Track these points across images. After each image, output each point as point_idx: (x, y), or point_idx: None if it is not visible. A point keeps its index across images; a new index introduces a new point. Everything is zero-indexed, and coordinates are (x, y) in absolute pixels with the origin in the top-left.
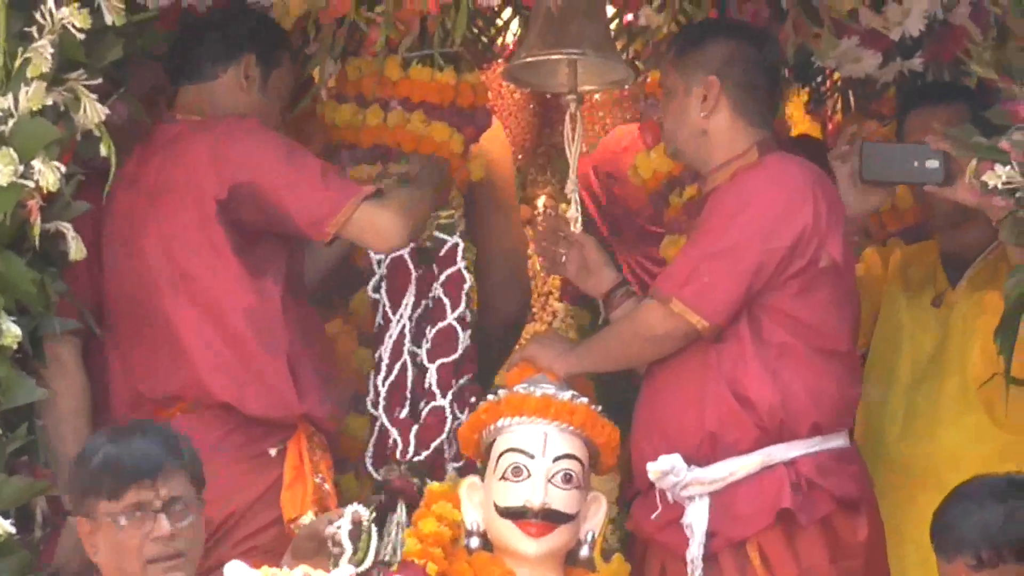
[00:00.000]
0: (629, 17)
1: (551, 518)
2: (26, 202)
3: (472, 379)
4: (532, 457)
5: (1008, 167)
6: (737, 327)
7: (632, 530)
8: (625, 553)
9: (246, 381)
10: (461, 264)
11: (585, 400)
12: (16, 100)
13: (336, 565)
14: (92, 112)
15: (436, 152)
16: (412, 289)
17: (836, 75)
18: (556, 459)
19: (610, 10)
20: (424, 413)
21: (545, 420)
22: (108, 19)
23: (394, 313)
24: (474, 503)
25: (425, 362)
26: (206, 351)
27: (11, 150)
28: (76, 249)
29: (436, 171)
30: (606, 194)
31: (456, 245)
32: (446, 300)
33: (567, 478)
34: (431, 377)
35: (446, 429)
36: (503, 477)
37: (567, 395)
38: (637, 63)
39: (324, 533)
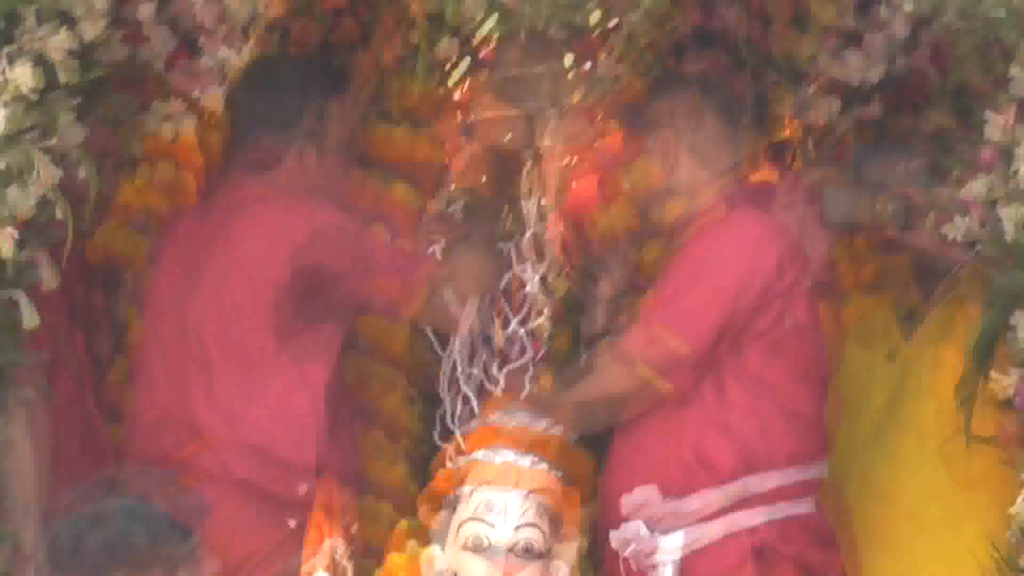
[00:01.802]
0: (587, 67)
1: None
2: None
3: None
4: (493, 527)
5: (967, 219)
6: (700, 389)
7: None
8: None
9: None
10: None
11: (545, 466)
12: None
13: None
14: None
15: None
16: None
17: (795, 123)
18: (517, 528)
19: (568, 59)
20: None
21: (506, 488)
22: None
23: None
24: (435, 574)
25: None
26: (230, 430)
27: None
28: (49, 278)
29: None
30: (580, 248)
31: None
32: None
33: (528, 548)
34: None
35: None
36: (464, 547)
37: (526, 461)
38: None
39: None
